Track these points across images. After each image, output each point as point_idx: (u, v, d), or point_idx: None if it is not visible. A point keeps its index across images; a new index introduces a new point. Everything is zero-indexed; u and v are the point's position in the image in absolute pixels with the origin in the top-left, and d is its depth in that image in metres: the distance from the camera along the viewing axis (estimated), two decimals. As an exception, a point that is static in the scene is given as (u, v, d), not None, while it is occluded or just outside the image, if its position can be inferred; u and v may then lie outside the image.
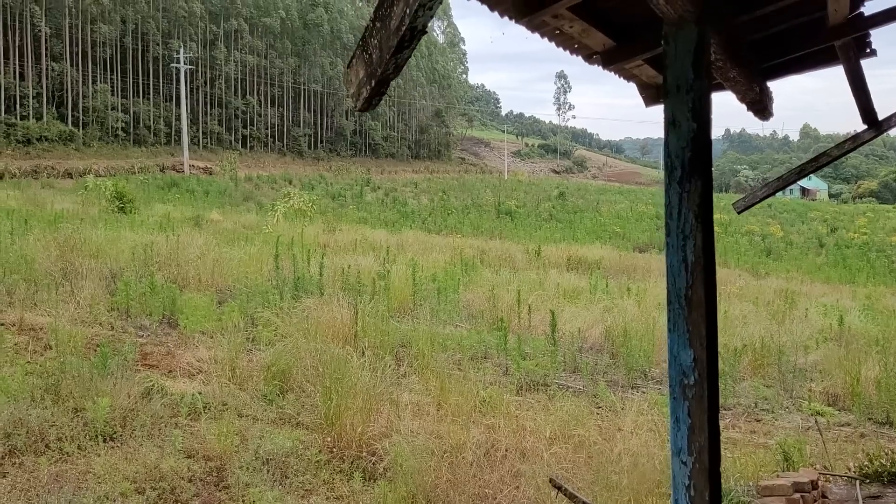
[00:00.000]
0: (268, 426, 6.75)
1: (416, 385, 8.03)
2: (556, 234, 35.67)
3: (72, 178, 50.16)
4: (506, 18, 2.50)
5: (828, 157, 6.67)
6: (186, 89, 69.90)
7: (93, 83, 69.55)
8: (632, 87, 3.89)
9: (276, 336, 9.26)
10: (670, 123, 2.22)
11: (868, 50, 4.39)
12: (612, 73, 3.47)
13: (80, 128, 66.26)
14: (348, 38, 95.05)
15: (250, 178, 59.64)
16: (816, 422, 7.61)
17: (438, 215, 41.88)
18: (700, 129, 2.18)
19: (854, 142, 6.21)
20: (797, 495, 5.23)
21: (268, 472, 5.74)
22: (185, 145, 67.55)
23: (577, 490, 5.24)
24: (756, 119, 4.32)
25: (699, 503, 2.15)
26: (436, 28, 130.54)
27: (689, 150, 2.18)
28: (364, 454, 6.22)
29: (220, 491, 5.52)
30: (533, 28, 2.73)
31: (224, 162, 65.83)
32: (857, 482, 5.76)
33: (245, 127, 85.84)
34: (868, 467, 5.92)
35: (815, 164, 6.90)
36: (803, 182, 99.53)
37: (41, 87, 65.15)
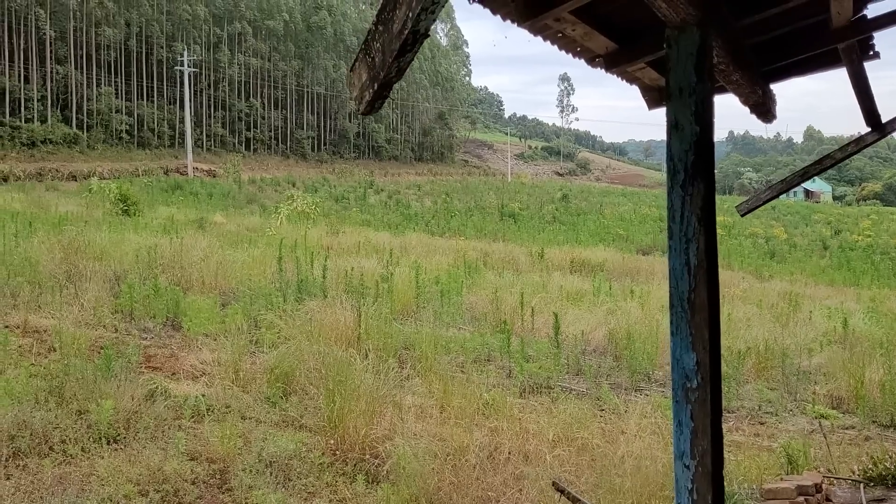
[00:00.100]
0: (271, 429, 6.76)
1: (420, 388, 8.02)
2: (560, 236, 35.65)
3: (76, 180, 50.31)
4: (508, 22, 2.50)
5: (831, 159, 6.67)
6: (190, 92, 70.07)
7: (97, 86, 69.83)
8: (635, 90, 3.89)
9: (280, 338, 9.27)
10: (673, 127, 2.22)
11: (871, 52, 4.39)
12: (615, 75, 3.47)
13: (85, 130, 66.49)
14: (351, 41, 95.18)
15: (254, 180, 59.73)
16: (820, 425, 7.59)
17: (441, 218, 41.87)
18: (702, 133, 2.18)
19: (858, 144, 6.21)
20: (801, 499, 5.21)
21: (271, 474, 5.74)
22: (188, 148, 67.71)
23: (580, 493, 5.24)
24: (759, 121, 4.32)
25: (702, 507, 2.15)
26: (439, 31, 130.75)
27: (692, 154, 2.18)
28: (367, 457, 6.21)
29: (223, 493, 5.53)
30: (535, 31, 2.73)
31: (227, 164, 65.96)
32: (862, 485, 5.74)
33: (248, 129, 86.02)
34: (872, 470, 5.90)
35: (818, 167, 6.91)
36: (807, 184, 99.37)
37: (46, 90, 65.39)
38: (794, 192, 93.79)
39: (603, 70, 3.30)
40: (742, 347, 10.24)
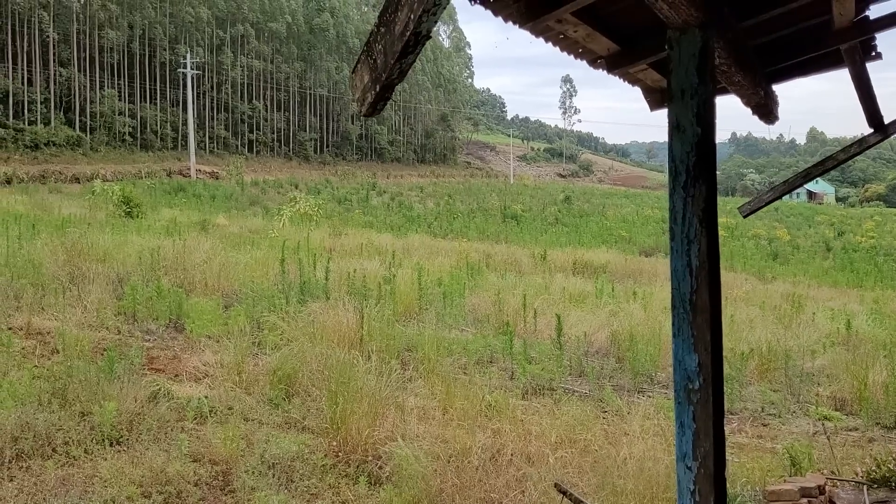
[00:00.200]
0: (273, 430, 6.76)
1: (422, 389, 8.03)
2: (562, 238, 35.64)
3: (79, 182, 50.41)
4: (510, 23, 2.51)
5: (834, 160, 6.66)
6: (193, 94, 70.18)
7: (100, 88, 69.97)
8: (637, 91, 3.89)
9: (282, 340, 9.28)
10: (675, 128, 2.22)
11: (874, 53, 4.39)
12: (617, 77, 3.47)
13: (88, 133, 66.61)
14: (354, 43, 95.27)
15: (256, 182, 59.81)
16: (824, 426, 7.57)
17: (444, 219, 41.88)
18: (704, 134, 2.18)
19: (860, 145, 6.21)
20: (804, 500, 5.20)
21: (273, 476, 5.75)
22: (191, 150, 67.82)
23: (582, 495, 5.23)
24: (762, 123, 4.32)
25: (704, 508, 2.15)
26: (441, 33, 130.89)
27: (694, 155, 2.18)
28: (369, 458, 6.22)
29: (225, 495, 5.53)
30: (537, 33, 2.74)
31: (230, 166, 66.09)
32: (865, 487, 5.72)
33: (251, 131, 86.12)
34: (876, 472, 5.89)
35: (821, 168, 6.90)
36: (810, 186, 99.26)
37: (49, 93, 65.52)
38: (797, 194, 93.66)
39: (605, 71, 3.30)
40: (745, 349, 10.22)
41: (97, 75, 70.32)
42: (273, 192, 54.26)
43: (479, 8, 2.23)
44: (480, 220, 43.60)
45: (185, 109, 71.29)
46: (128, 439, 6.23)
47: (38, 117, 63.54)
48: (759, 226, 46.94)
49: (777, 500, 5.24)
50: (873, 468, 5.96)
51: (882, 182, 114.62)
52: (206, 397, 7.25)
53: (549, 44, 2.89)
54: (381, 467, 6.05)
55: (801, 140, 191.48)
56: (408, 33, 1.78)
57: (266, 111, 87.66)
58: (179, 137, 75.90)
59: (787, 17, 3.51)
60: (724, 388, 2.69)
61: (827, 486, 5.57)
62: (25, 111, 62.53)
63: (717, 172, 2.28)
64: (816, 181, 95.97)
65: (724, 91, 3.53)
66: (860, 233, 48.87)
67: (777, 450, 6.96)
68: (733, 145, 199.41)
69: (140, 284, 11.64)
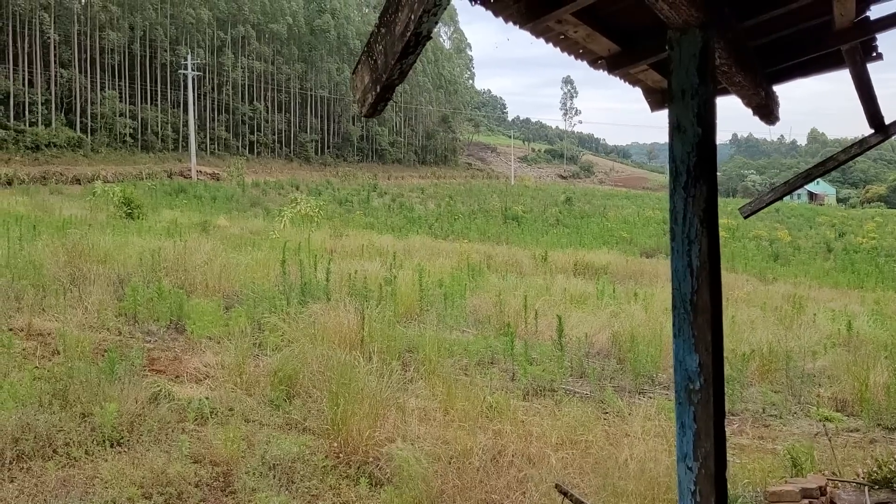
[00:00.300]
0: (274, 431, 6.76)
1: (423, 390, 8.02)
2: (563, 239, 35.63)
3: (80, 184, 50.45)
4: (511, 24, 2.51)
5: (835, 161, 6.66)
6: (194, 95, 70.24)
7: (101, 89, 70.01)
8: (638, 92, 3.89)
9: (283, 341, 9.28)
10: (675, 129, 2.22)
11: (874, 54, 4.39)
12: (618, 78, 3.47)
13: (89, 134, 66.67)
14: (355, 44, 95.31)
15: (257, 183, 59.84)
16: (825, 427, 7.56)
17: (445, 221, 41.87)
18: (705, 135, 2.18)
19: (861, 146, 6.20)
20: (805, 501, 5.20)
21: (274, 477, 5.74)
22: (192, 151, 67.85)
23: (583, 496, 5.23)
24: (763, 123, 4.32)
25: (705, 509, 2.14)
26: (442, 34, 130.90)
27: (695, 156, 2.18)
28: (370, 459, 6.21)
29: (226, 496, 5.53)
30: (538, 33, 2.74)
31: (231, 168, 66.13)
32: (866, 488, 5.72)
33: (252, 133, 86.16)
34: (877, 473, 5.88)
35: (822, 169, 6.90)
36: (811, 187, 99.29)
37: (50, 94, 65.59)
38: (798, 195, 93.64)
39: (605, 72, 3.30)
40: (746, 350, 10.22)
41: (98, 76, 70.37)
42: (274, 194, 54.29)
43: (479, 9, 2.24)
44: (481, 221, 43.60)
45: (185, 111, 71.34)
46: (128, 440, 6.24)
47: (39, 118, 63.62)
48: (760, 227, 46.92)
49: (778, 501, 5.24)
50: (874, 469, 5.95)
51: (883, 183, 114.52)
52: (206, 398, 7.25)
53: (550, 44, 2.89)
54: (381, 468, 6.05)
55: (802, 141, 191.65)
56: (408, 34, 1.78)
57: (267, 112, 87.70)
58: (180, 139, 75.95)
59: (788, 17, 3.51)
60: (725, 389, 2.68)
61: (828, 487, 5.57)
62: (26, 112, 62.61)
63: (718, 173, 2.28)
64: (817, 182, 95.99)
65: (725, 92, 3.53)
66: (861, 234, 48.83)
67: (778, 451, 6.95)
68: (734, 146, 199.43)
69: (141, 285, 11.65)
